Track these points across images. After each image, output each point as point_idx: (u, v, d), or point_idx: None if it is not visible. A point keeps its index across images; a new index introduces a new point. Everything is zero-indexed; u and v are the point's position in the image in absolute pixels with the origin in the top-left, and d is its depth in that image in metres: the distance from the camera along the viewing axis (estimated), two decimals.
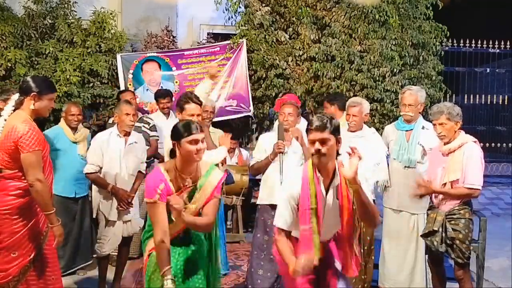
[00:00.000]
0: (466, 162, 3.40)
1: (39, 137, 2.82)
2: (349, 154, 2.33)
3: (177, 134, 2.58)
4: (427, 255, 3.87)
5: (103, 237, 3.89)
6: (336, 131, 2.42)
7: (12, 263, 2.84)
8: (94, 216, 3.98)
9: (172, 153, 2.66)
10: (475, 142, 3.49)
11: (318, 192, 2.41)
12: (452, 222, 3.48)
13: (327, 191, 2.47)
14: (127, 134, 3.90)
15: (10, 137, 2.76)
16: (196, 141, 2.54)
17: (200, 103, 3.47)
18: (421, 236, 3.69)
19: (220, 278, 2.95)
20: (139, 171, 3.98)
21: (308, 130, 2.42)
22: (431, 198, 3.67)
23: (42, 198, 2.79)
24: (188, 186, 2.61)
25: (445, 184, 3.48)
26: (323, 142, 2.37)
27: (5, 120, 2.84)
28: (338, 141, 2.43)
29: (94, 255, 4.07)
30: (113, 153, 3.82)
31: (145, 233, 2.77)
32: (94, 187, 3.95)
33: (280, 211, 2.50)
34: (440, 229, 3.47)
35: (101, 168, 3.82)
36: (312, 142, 2.39)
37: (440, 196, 3.55)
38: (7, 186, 2.84)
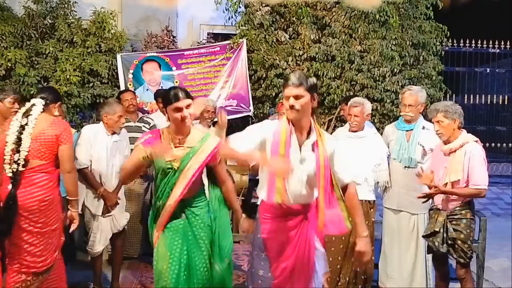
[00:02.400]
0: (470, 163, 3.39)
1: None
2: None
3: (165, 100, 2.80)
4: (430, 255, 3.87)
5: (92, 235, 3.88)
6: (312, 89, 2.50)
7: (50, 251, 3.13)
8: (79, 211, 3.94)
9: None
10: (476, 141, 3.48)
11: (287, 142, 2.51)
12: (454, 222, 3.48)
13: (300, 146, 2.55)
14: (114, 133, 3.91)
15: (51, 131, 3.12)
16: (179, 109, 2.72)
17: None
18: (423, 236, 3.69)
19: (228, 265, 2.97)
20: None
21: (284, 85, 2.52)
22: (432, 198, 3.66)
23: (74, 185, 3.24)
24: (179, 145, 2.78)
25: (446, 184, 3.47)
26: (297, 97, 2.47)
27: (36, 118, 3.14)
28: (313, 98, 2.51)
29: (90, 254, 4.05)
30: (101, 151, 3.81)
31: (151, 224, 2.88)
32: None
33: (241, 137, 2.55)
34: (442, 230, 3.47)
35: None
36: (287, 98, 2.49)
37: (441, 196, 3.54)
38: (36, 177, 3.09)
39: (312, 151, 2.55)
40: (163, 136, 2.82)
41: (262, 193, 2.64)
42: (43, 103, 3.24)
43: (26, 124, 3.07)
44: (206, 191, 2.96)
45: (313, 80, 2.54)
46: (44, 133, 3.10)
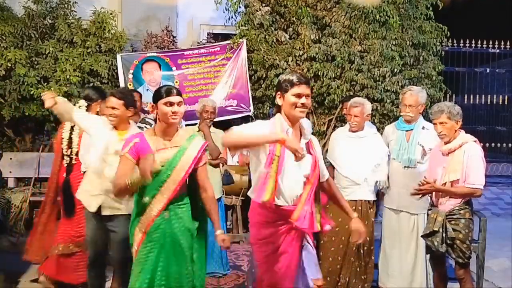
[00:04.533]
0: (467, 162, 3.40)
1: None
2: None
3: (155, 96, 2.75)
4: (428, 255, 3.87)
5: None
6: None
7: (82, 231, 3.60)
8: None
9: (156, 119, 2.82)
10: (475, 141, 3.49)
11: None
12: (452, 222, 3.48)
13: None
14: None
15: None
16: (171, 103, 2.69)
17: (117, 97, 3.33)
18: (422, 236, 3.69)
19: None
20: None
21: (292, 84, 2.53)
22: (431, 198, 3.67)
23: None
24: (166, 147, 2.72)
25: (445, 184, 3.48)
26: (308, 96, 2.55)
27: None
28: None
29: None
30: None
31: (132, 223, 2.79)
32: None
33: (241, 128, 2.55)
34: (441, 230, 3.47)
35: None
36: (299, 96, 2.52)
37: (440, 196, 3.54)
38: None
39: (307, 152, 2.58)
40: (148, 138, 2.74)
41: (252, 194, 2.60)
42: (86, 104, 3.89)
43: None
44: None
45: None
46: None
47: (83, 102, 3.88)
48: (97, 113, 3.85)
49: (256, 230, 2.63)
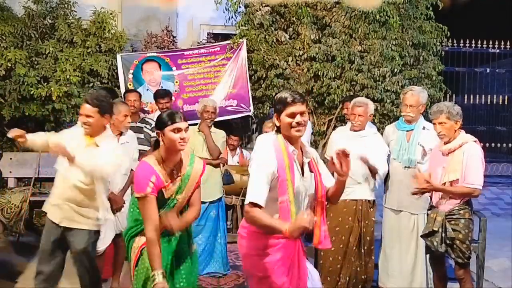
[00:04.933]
0: (467, 162, 3.40)
1: None
2: None
3: (160, 123, 2.61)
4: (428, 255, 3.87)
5: None
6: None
7: None
8: None
9: (156, 144, 2.70)
10: (475, 141, 3.48)
11: (290, 166, 2.42)
12: (452, 222, 3.48)
13: (302, 165, 2.50)
14: (121, 133, 3.90)
15: None
16: (179, 130, 2.58)
17: (91, 104, 3.18)
18: (421, 236, 3.69)
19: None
20: (132, 170, 3.94)
21: (285, 104, 2.41)
22: (431, 198, 3.67)
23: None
24: (177, 176, 2.65)
25: (444, 183, 3.48)
26: (302, 114, 2.41)
27: None
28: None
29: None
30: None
31: (130, 230, 2.73)
32: None
33: (256, 186, 2.38)
34: (440, 230, 3.47)
35: None
36: (293, 115, 2.40)
37: (440, 196, 3.54)
38: None
39: (310, 171, 2.53)
40: (156, 168, 2.59)
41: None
42: None
43: None
44: None
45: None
46: None
47: None
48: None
49: (259, 241, 2.48)
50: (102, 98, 3.26)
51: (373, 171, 3.94)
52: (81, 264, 3.29)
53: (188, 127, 2.64)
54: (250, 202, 2.35)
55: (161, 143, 2.62)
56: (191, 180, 2.69)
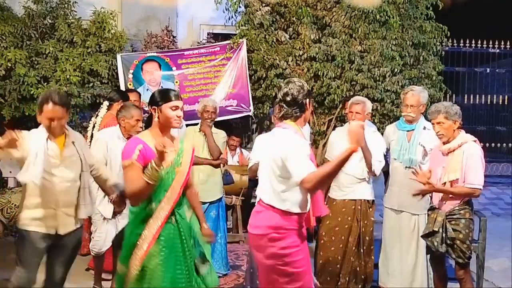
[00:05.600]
0: (467, 162, 3.40)
1: None
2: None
3: (157, 99, 2.65)
4: (428, 255, 3.87)
5: (97, 236, 3.87)
6: None
7: None
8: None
9: (148, 123, 2.75)
10: (475, 141, 3.48)
11: (311, 154, 2.64)
12: (453, 222, 3.47)
13: None
14: (130, 137, 3.87)
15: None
16: (177, 107, 2.64)
17: (61, 104, 2.93)
18: (422, 236, 3.69)
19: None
20: None
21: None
22: (431, 198, 3.67)
23: None
24: (170, 150, 2.60)
25: (444, 183, 3.48)
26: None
27: (101, 117, 4.37)
28: None
29: (93, 254, 4.05)
30: (116, 155, 3.71)
31: (132, 233, 2.66)
32: None
33: (304, 162, 2.49)
34: (441, 230, 3.47)
35: None
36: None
37: (440, 196, 3.54)
38: None
39: None
40: (146, 140, 2.62)
41: (294, 207, 2.61)
42: (108, 104, 4.35)
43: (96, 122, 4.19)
44: None
45: None
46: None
47: (106, 103, 4.42)
48: (117, 113, 3.90)
49: (290, 237, 2.63)
50: (63, 95, 3.10)
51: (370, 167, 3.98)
52: (68, 262, 3.20)
53: (182, 106, 2.70)
54: (302, 178, 2.44)
55: (155, 119, 2.65)
56: (186, 155, 2.71)
